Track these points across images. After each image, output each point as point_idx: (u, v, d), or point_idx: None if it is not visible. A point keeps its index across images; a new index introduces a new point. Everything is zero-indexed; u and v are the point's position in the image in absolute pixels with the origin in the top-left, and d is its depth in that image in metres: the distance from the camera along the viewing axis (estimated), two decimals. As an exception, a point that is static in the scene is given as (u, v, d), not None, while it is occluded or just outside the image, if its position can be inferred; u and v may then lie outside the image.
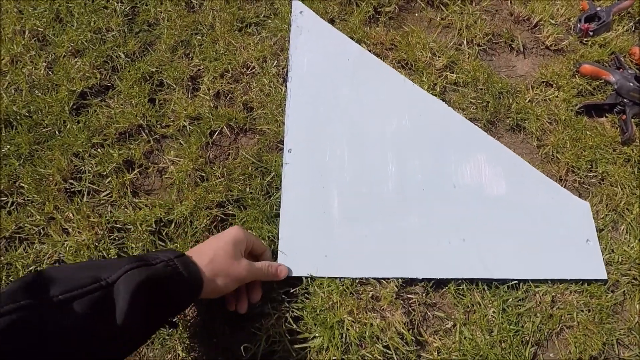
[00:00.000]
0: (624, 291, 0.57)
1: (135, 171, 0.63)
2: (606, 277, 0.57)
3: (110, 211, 0.60)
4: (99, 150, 0.64)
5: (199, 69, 0.71)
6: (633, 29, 0.79)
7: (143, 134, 0.66)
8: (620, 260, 0.59)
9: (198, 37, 0.74)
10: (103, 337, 0.37)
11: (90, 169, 0.62)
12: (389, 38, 0.73)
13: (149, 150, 0.66)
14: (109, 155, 0.63)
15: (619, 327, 0.56)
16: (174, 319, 0.48)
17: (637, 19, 0.79)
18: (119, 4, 0.77)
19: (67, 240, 0.57)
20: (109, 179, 0.62)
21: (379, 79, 0.68)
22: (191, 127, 0.66)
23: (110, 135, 0.65)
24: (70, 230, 0.58)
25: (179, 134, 0.66)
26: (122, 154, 0.64)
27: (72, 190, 0.61)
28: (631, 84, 0.67)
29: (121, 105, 0.68)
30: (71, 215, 0.59)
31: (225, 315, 0.54)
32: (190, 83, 0.70)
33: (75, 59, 0.71)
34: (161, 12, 0.76)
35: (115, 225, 0.59)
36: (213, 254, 0.47)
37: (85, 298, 0.35)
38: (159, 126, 0.67)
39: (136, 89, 0.68)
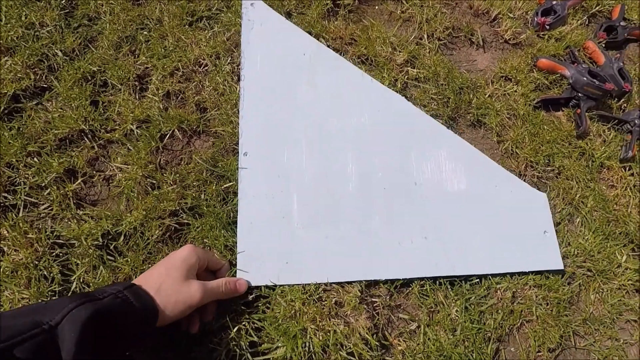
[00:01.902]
0: (580, 283, 0.59)
1: (79, 181, 0.59)
2: (563, 267, 0.58)
3: (51, 226, 0.56)
4: (35, 159, 0.59)
5: (147, 68, 0.66)
6: (587, 22, 0.81)
7: (86, 139, 0.61)
8: (576, 252, 0.60)
9: (144, 33, 0.68)
10: None
11: (26, 180, 0.57)
12: (348, 32, 0.71)
13: (94, 157, 0.61)
14: (47, 164, 0.58)
15: (575, 318, 0.57)
16: (130, 354, 0.44)
17: (590, 12, 0.81)
18: (55, -5, 0.70)
19: (1, 261, 0.52)
20: (49, 190, 0.57)
21: (337, 74, 0.66)
22: (139, 131, 0.61)
23: (49, 142, 0.60)
24: (5, 248, 0.53)
25: (126, 139, 0.61)
26: (62, 162, 0.59)
27: (5, 204, 0.56)
28: (585, 78, 0.68)
29: (60, 108, 0.62)
30: (5, 232, 0.54)
31: (181, 331, 0.51)
32: (137, 83, 0.65)
33: (6, 58, 0.64)
34: (102, 5, 0.70)
35: (57, 241, 0.55)
36: (160, 282, 0.44)
37: (26, 344, 0.33)
38: (103, 131, 0.62)
39: (76, 90, 0.63)
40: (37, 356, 0.33)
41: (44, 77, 0.64)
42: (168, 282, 0.44)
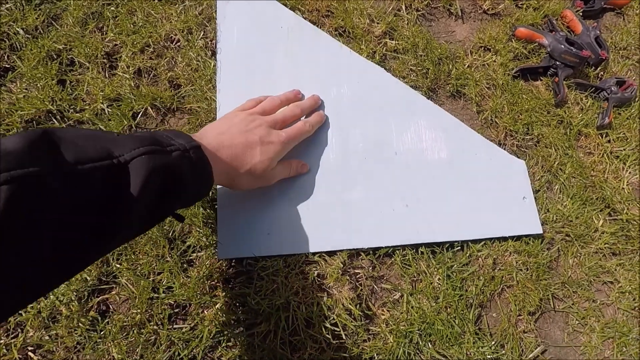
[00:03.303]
0: (558, 248, 0.60)
1: (49, 163, 0.56)
2: (541, 232, 0.59)
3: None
4: (1, 141, 0.56)
5: (116, 45, 0.63)
6: (564, -9, 0.80)
7: (54, 120, 0.58)
8: (554, 219, 0.61)
9: (112, 9, 0.65)
10: (112, 217, 0.32)
11: (-9, 163, 0.54)
12: (324, 4, 0.69)
13: (63, 138, 0.58)
14: (14, 146, 0.56)
15: (554, 282, 0.58)
16: (180, 213, 0.44)
17: (568, -19, 0.80)
18: (14, -30, 0.66)
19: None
20: (17, 173, 0.54)
21: (315, 47, 0.64)
22: (110, 110, 0.59)
23: (14, 124, 0.57)
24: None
25: (96, 119, 0.59)
26: (30, 144, 0.56)
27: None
28: (562, 46, 0.68)
29: (25, 89, 0.59)
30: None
31: (164, 307, 0.50)
32: (106, 60, 0.62)
33: (-37, 37, 0.61)
34: (66, -20, 0.67)
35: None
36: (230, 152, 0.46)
37: (97, 173, 0.31)
38: (72, 111, 0.59)
39: (41, 69, 0.60)
40: (105, 187, 0.31)
41: (6, 57, 0.61)
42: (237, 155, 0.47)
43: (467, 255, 0.57)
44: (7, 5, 0.64)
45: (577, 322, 0.57)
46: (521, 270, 0.58)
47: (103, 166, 0.31)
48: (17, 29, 0.62)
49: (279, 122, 0.53)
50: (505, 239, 0.58)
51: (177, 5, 0.67)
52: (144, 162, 0.34)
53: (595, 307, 0.58)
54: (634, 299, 0.59)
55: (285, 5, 0.68)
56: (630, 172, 0.66)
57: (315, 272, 0.53)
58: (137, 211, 0.34)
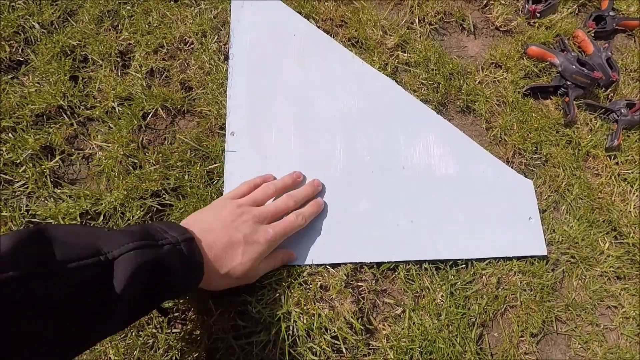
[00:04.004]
0: (563, 269, 0.59)
1: (57, 158, 0.56)
2: (546, 254, 0.59)
3: (27, 204, 0.53)
4: (10, 135, 0.56)
5: (129, 44, 0.64)
6: (577, 11, 0.81)
7: (64, 116, 0.58)
8: (560, 239, 0.61)
9: (127, 8, 0.66)
10: (96, 312, 0.34)
11: (-1, 156, 0.54)
12: (339, 14, 0.69)
13: (72, 134, 0.58)
14: (23, 140, 0.56)
15: (558, 304, 0.58)
16: (165, 306, 0.45)
17: (580, 2, 0.81)
18: (33, -34, 0.67)
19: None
20: (24, 167, 0.54)
21: (327, 56, 0.64)
22: (121, 109, 0.59)
23: (25, 118, 0.57)
24: (-24, 227, 0.51)
25: (107, 117, 0.59)
26: (39, 139, 0.56)
27: (-24, 181, 0.53)
28: (574, 67, 0.68)
29: (37, 83, 0.59)
30: (-23, 210, 0.51)
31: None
32: (119, 59, 0.62)
33: (-22, 29, 0.61)
34: (84, -22, 0.67)
35: (33, 220, 0.52)
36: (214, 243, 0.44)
37: (84, 271, 0.32)
38: (83, 107, 0.59)
39: (54, 64, 0.60)
40: (90, 285, 0.33)
41: (20, 50, 0.61)
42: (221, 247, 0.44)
43: (471, 273, 0.57)
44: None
45: (579, 346, 0.57)
46: (525, 290, 0.57)
47: (89, 264, 0.32)
48: (33, 22, 0.62)
49: (269, 216, 0.49)
50: (510, 258, 0.58)
51: (192, 7, 0.67)
52: (132, 258, 0.35)
53: (598, 331, 0.58)
54: (637, 325, 0.59)
55: (300, 13, 0.68)
56: (637, 196, 0.66)
57: (318, 283, 0.52)
58: (119, 307, 0.35)
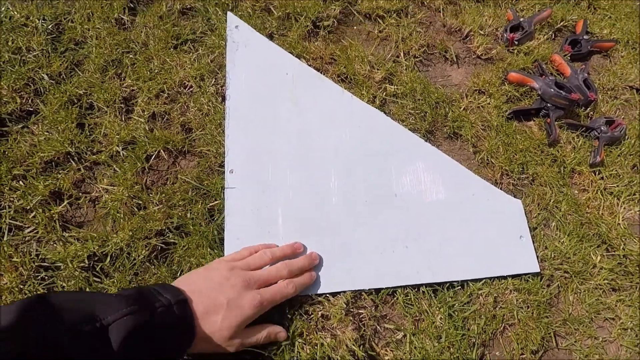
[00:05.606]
0: (558, 284, 0.61)
1: (65, 203, 0.59)
2: (539, 270, 0.60)
3: (36, 249, 0.56)
4: (21, 182, 0.59)
5: (132, 90, 0.68)
6: (553, 37, 0.86)
7: (72, 162, 0.62)
8: (552, 256, 0.63)
9: (130, 56, 0.70)
10: None
11: (10, 203, 0.57)
12: (328, 52, 0.74)
13: (80, 179, 0.61)
14: (33, 187, 0.58)
15: (555, 319, 0.59)
16: None
17: (555, 27, 0.86)
18: (41, 21, 0.72)
19: (-15, 286, 0.52)
20: (34, 213, 0.57)
21: (318, 92, 0.68)
22: (125, 152, 0.62)
23: (34, 165, 0.60)
24: (-11, 273, 0.53)
25: (112, 160, 0.62)
26: (48, 185, 0.59)
27: (-11, 229, 0.56)
28: (552, 90, 0.72)
29: (46, 131, 0.63)
30: (-10, 257, 0.53)
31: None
32: (123, 105, 0.66)
33: (-9, 84, 0.65)
34: (89, 30, 0.72)
35: (43, 264, 0.54)
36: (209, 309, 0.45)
37: (80, 337, 0.35)
38: (89, 153, 0.62)
39: (62, 113, 0.64)
40: (83, 349, 0.35)
41: (30, 100, 0.65)
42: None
43: (468, 293, 0.58)
44: (34, 53, 0.68)
45: (580, 360, 0.57)
46: (522, 308, 0.58)
47: (85, 331, 0.35)
48: (43, 74, 0.67)
49: (260, 282, 0.49)
50: (504, 277, 0.59)
51: (191, 53, 0.71)
52: (126, 323, 0.37)
53: (597, 344, 0.59)
54: (635, 336, 0.60)
55: (292, 53, 0.72)
56: (625, 208, 0.68)
57: (319, 313, 0.54)
58: None
